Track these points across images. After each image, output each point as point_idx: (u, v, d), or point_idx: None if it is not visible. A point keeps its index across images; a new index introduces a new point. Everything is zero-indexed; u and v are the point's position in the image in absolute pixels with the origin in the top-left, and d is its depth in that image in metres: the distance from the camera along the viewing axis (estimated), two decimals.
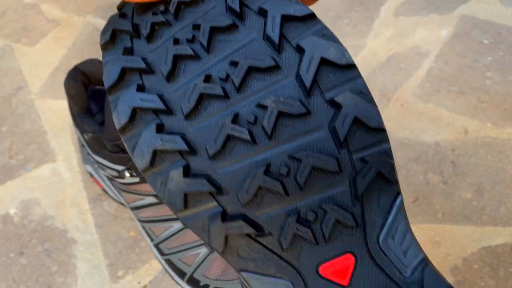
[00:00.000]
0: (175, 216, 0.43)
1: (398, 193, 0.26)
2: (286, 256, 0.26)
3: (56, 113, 0.62)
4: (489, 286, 0.45)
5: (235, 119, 0.26)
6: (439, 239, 0.49)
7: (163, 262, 0.46)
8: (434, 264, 0.47)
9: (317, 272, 0.26)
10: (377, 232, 0.26)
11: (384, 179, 0.26)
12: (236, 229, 0.25)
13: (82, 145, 0.50)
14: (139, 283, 0.47)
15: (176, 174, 0.26)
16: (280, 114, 0.26)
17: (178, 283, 0.45)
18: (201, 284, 0.42)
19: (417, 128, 0.59)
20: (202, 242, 0.42)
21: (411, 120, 0.60)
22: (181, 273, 0.44)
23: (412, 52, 0.68)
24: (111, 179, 0.46)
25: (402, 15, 0.72)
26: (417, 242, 0.27)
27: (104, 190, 0.52)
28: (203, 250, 0.42)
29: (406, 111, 0.61)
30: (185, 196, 0.26)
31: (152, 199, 0.43)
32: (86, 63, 0.49)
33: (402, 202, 0.26)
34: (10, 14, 0.76)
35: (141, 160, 0.26)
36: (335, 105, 0.26)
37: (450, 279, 0.46)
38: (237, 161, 0.26)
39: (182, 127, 0.26)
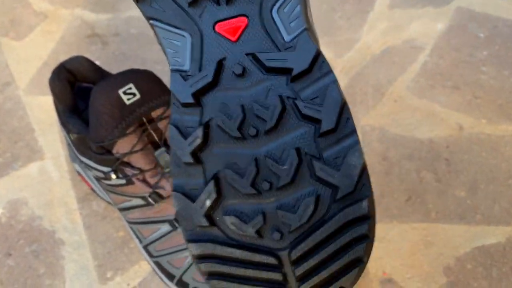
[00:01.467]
0: (162, 218, 0.42)
1: None
2: (190, 12, 0.31)
3: (44, 110, 0.61)
4: (483, 287, 0.45)
5: None
6: (431, 238, 0.48)
7: (152, 264, 0.45)
8: (427, 264, 0.47)
9: (213, 28, 0.31)
10: (272, 3, 0.31)
11: None
12: None
13: (69, 144, 0.49)
14: (128, 284, 0.46)
15: None
16: None
17: (167, 285, 0.45)
18: (190, 287, 0.42)
19: (411, 125, 0.58)
20: None
21: (405, 116, 0.59)
22: (170, 276, 0.43)
23: (406, 45, 0.67)
24: (98, 179, 0.45)
25: (397, 8, 0.71)
26: (306, 15, 0.31)
27: (93, 189, 0.51)
28: None
29: (400, 106, 0.60)
30: None
31: (139, 201, 0.42)
32: (72, 60, 0.48)
33: None
34: None
35: None
36: None
37: (443, 279, 0.46)
38: None
39: None
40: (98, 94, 0.40)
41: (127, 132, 0.40)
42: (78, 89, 0.50)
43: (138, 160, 0.41)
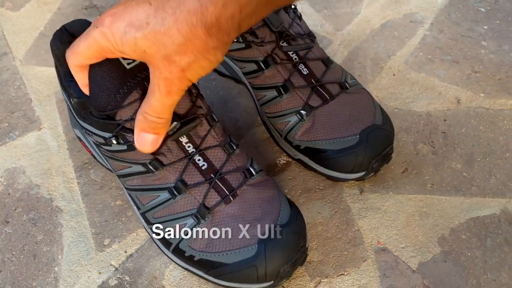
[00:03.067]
0: (162, 186, 0.42)
1: None
2: None
3: (41, 80, 0.61)
4: (476, 257, 0.46)
5: None
6: (427, 209, 0.49)
7: (149, 231, 0.45)
8: (422, 235, 0.47)
9: None
10: None
11: None
12: None
13: (70, 109, 0.48)
14: (125, 251, 0.46)
15: None
16: None
17: (164, 253, 0.45)
18: (186, 254, 0.42)
19: (409, 98, 0.58)
20: (188, 213, 0.42)
21: (403, 89, 0.59)
22: (167, 243, 0.43)
23: (406, 19, 0.66)
24: (98, 145, 0.45)
25: None
26: None
27: (93, 156, 0.51)
28: (190, 221, 0.42)
29: (398, 80, 0.60)
30: None
31: (139, 168, 0.42)
32: (74, 23, 0.47)
33: None
34: None
35: None
36: None
37: (437, 249, 0.46)
38: None
39: None
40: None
41: (129, 100, 0.39)
42: None
43: None
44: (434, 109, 0.57)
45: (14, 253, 0.47)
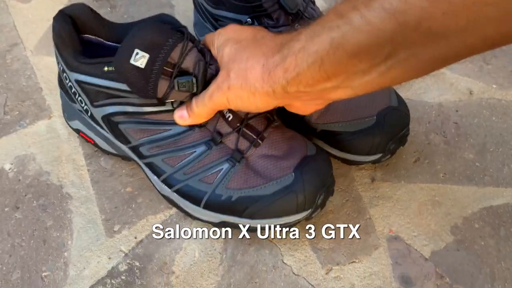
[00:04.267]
0: (199, 141, 0.44)
1: None
2: None
3: (52, 70, 0.61)
4: (489, 246, 0.45)
5: None
6: (439, 198, 0.48)
7: (173, 195, 0.46)
8: (434, 223, 0.47)
9: None
10: None
11: None
12: None
13: (70, 97, 0.48)
14: (135, 237, 0.46)
15: None
16: None
17: (190, 215, 0.46)
18: (223, 198, 0.43)
19: (420, 89, 0.57)
20: (224, 159, 0.43)
21: (414, 80, 0.58)
22: (196, 200, 0.44)
23: None
24: (132, 114, 0.44)
25: None
26: None
27: (95, 144, 0.51)
28: (225, 166, 0.43)
29: None
30: None
31: (180, 128, 0.43)
32: (73, 7, 0.47)
33: None
34: None
35: None
36: None
37: (449, 238, 0.45)
38: None
39: None
40: (116, 70, 0.41)
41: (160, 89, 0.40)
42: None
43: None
44: (445, 100, 0.56)
45: (24, 238, 0.47)
